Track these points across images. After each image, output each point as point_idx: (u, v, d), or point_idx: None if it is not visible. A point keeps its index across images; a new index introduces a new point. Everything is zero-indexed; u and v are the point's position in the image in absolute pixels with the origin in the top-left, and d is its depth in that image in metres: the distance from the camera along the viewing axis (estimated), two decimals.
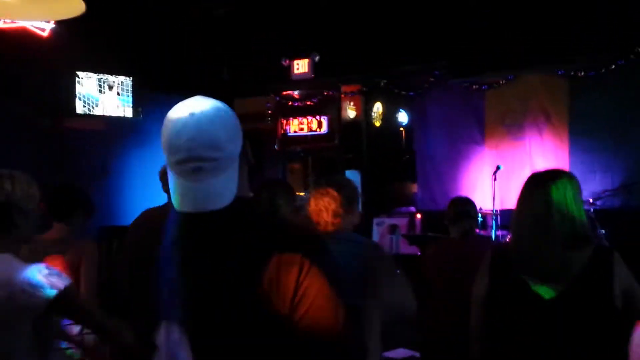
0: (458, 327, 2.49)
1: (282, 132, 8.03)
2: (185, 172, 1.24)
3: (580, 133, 6.36)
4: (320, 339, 1.24)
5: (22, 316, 1.80)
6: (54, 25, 6.26)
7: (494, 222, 5.96)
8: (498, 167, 6.05)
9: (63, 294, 1.79)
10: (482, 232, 5.92)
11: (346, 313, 1.27)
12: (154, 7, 6.72)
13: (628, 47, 6.03)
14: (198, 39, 7.54)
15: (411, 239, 6.21)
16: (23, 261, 1.88)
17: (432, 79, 7.16)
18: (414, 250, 6.03)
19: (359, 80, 7.60)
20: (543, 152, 6.54)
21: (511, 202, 2.13)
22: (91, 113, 6.95)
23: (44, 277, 1.80)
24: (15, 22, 5.97)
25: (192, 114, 1.25)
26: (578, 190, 1.97)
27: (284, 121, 8.01)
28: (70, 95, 6.79)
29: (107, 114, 7.08)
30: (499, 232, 5.86)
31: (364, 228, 6.67)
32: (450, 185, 6.99)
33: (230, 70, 7.95)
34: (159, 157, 1.49)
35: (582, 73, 6.32)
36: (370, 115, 7.62)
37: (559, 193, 1.93)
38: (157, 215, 1.39)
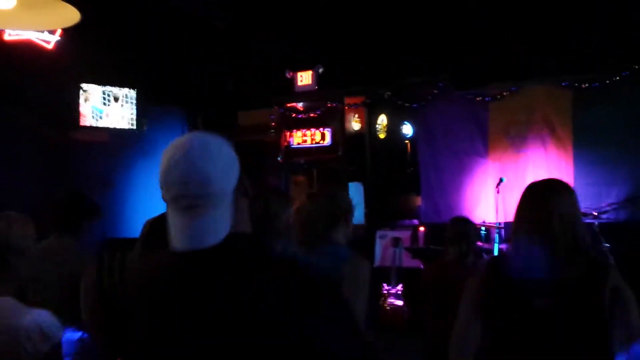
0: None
1: (286, 144, 8.02)
2: (180, 209, 1.27)
3: (585, 145, 6.31)
4: None
5: None
6: (59, 38, 6.32)
7: (497, 235, 5.93)
8: (501, 180, 6.03)
9: (58, 346, 1.79)
10: (486, 245, 5.89)
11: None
12: (158, 21, 6.76)
13: (632, 58, 6.02)
14: (201, 52, 7.58)
15: (414, 252, 6.18)
16: (24, 305, 1.87)
17: (435, 91, 7.14)
18: (417, 263, 6.00)
19: (362, 92, 7.60)
20: (547, 164, 6.50)
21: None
22: (96, 125, 6.98)
23: (47, 324, 1.80)
24: (20, 35, 6.03)
25: (184, 151, 1.28)
26: (577, 201, 1.98)
27: (288, 133, 8.01)
28: (74, 107, 6.84)
29: (111, 125, 7.11)
30: (502, 246, 5.82)
31: (367, 241, 6.65)
32: (454, 197, 6.94)
33: (234, 82, 7.98)
34: None
35: (586, 84, 6.30)
36: (374, 128, 7.61)
37: (561, 203, 1.94)
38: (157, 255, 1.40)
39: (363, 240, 6.53)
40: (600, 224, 5.52)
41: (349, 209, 2.57)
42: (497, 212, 6.06)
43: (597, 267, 1.90)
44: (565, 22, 6.17)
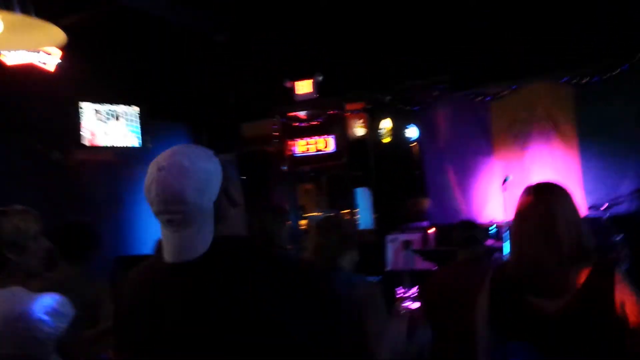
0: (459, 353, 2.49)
1: (290, 153, 8.03)
2: (163, 223, 1.35)
3: (591, 139, 6.31)
4: None
5: (47, 347, 1.78)
6: (59, 60, 6.34)
7: (507, 233, 5.90)
8: (506, 178, 6.02)
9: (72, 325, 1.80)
10: (497, 244, 5.87)
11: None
12: (158, 38, 6.78)
13: (632, 50, 6.03)
14: (202, 66, 7.61)
15: (423, 254, 6.15)
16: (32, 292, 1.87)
17: (436, 93, 7.16)
18: (430, 265, 5.98)
19: (362, 97, 7.63)
20: (553, 160, 6.51)
21: None
22: (99, 144, 6.99)
23: (59, 303, 1.81)
24: (21, 59, 6.04)
25: (159, 170, 1.34)
26: (576, 203, 1.97)
27: (291, 142, 8.02)
28: (77, 127, 6.84)
29: (115, 144, 7.12)
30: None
31: (377, 246, 6.63)
32: (462, 198, 6.97)
33: (236, 95, 8.00)
34: None
35: (587, 79, 6.31)
36: (378, 132, 7.62)
37: (564, 205, 1.93)
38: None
39: (373, 245, 6.51)
40: (611, 217, 5.50)
41: (354, 235, 2.71)
42: (505, 210, 6.04)
43: (604, 269, 1.88)
44: (561, 18, 6.19)
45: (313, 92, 7.55)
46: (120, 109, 7.19)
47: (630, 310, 1.80)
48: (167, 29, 6.52)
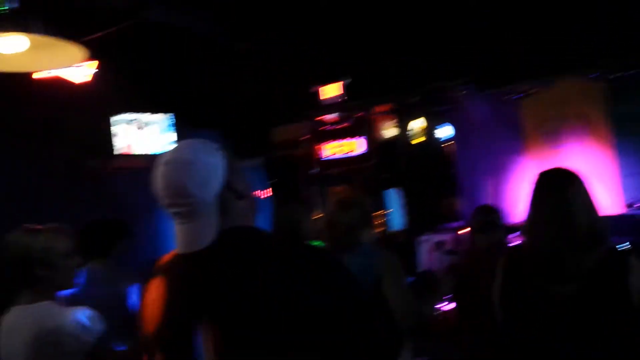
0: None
1: (319, 156, 8.06)
2: (172, 216, 1.41)
3: (626, 134, 6.19)
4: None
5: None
6: (92, 72, 6.50)
7: None
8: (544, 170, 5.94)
9: (102, 338, 1.86)
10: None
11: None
12: (185, 46, 6.89)
13: None
14: (230, 73, 7.69)
15: (456, 254, 6.10)
16: (64, 306, 1.92)
17: (465, 92, 7.11)
18: None
19: (391, 99, 7.62)
20: (586, 157, 6.39)
21: None
22: (132, 153, 7.13)
23: (87, 319, 1.86)
24: (51, 72, 6.21)
25: (165, 164, 1.41)
26: (589, 188, 1.97)
27: (320, 146, 8.05)
28: (108, 136, 7.00)
29: (147, 152, 7.24)
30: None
31: (409, 247, 6.62)
32: (493, 197, 6.89)
33: (265, 100, 8.07)
34: None
35: (618, 74, 6.19)
36: (407, 133, 7.60)
37: (579, 190, 1.93)
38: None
39: (406, 247, 6.50)
40: None
41: (372, 212, 2.90)
42: None
43: (617, 256, 1.88)
44: (593, 13, 6.07)
45: (341, 95, 7.57)
46: (152, 117, 7.32)
47: None
48: (194, 40, 6.61)
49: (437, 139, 7.37)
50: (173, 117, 7.46)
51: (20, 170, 6.10)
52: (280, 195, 8.42)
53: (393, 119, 7.70)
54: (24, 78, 5.04)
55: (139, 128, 7.24)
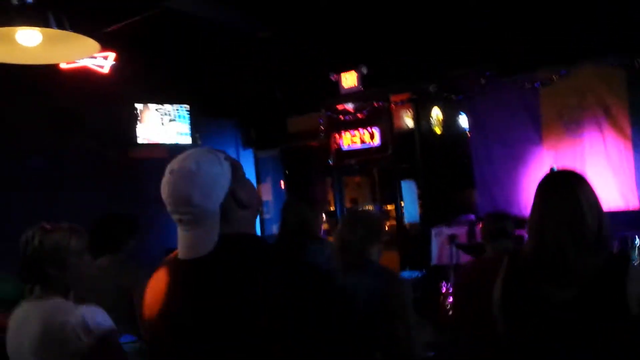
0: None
1: (336, 146, 8.07)
2: (176, 222, 1.46)
3: None
4: None
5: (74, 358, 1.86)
6: (113, 62, 6.62)
7: None
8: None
9: (104, 339, 1.88)
10: None
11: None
12: (205, 36, 6.95)
13: None
14: (248, 62, 7.73)
15: (466, 248, 5.98)
16: (74, 303, 1.97)
17: (483, 81, 7.00)
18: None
19: (408, 88, 7.55)
20: (605, 148, 6.28)
21: None
22: (152, 142, 7.25)
23: (92, 319, 1.89)
24: (76, 63, 6.34)
25: (171, 172, 1.46)
26: (596, 192, 1.94)
27: (337, 135, 8.05)
28: (131, 126, 7.14)
29: (167, 141, 7.36)
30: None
31: (423, 239, 6.57)
32: (510, 189, 6.78)
33: (282, 89, 8.09)
34: None
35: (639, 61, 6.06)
36: (425, 123, 7.55)
37: (587, 192, 1.91)
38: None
39: (419, 239, 6.43)
40: None
41: (381, 228, 2.81)
42: None
43: (617, 261, 1.87)
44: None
45: (358, 84, 7.54)
46: (172, 107, 7.43)
47: None
48: (213, 28, 6.67)
49: (457, 129, 7.28)
50: (191, 107, 7.56)
51: (45, 160, 6.24)
52: (291, 190, 8.45)
53: (410, 109, 7.65)
54: (44, 70, 5.17)
55: (160, 118, 7.36)
